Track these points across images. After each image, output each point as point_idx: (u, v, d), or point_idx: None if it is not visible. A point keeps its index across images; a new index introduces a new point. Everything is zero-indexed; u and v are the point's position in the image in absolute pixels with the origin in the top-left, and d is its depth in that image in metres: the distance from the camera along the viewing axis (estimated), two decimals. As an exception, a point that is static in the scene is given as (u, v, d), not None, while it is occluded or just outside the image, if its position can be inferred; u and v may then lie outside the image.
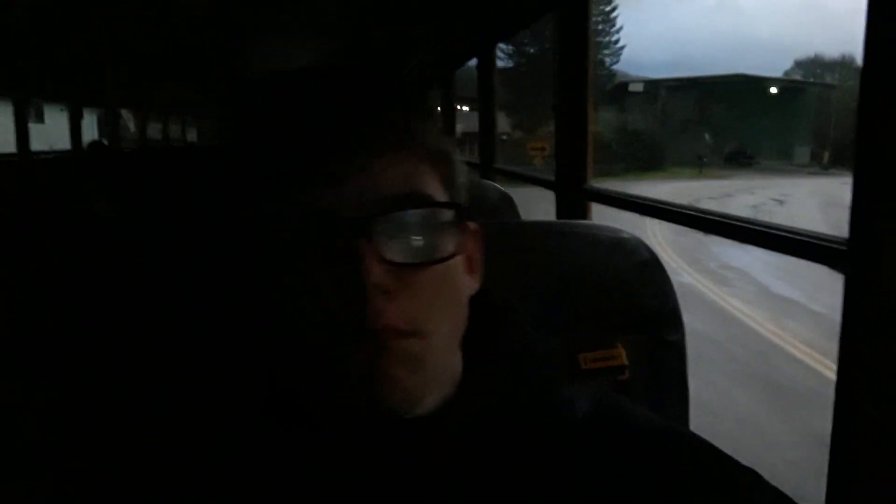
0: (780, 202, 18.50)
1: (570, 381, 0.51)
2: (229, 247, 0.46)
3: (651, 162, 29.47)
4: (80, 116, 6.66)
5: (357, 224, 0.40)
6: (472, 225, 0.49)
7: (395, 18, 3.47)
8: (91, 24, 3.36)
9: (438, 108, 4.44)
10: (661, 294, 0.74)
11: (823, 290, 6.76)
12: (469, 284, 0.49)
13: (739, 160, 30.19)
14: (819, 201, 17.78)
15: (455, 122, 4.43)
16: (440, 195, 0.46)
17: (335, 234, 0.41)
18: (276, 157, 0.43)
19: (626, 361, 0.71)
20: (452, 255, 0.44)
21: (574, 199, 1.92)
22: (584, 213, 1.90)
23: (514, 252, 0.74)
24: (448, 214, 0.45)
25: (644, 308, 0.74)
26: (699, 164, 28.45)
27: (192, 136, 9.64)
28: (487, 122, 3.32)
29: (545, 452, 0.44)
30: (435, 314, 0.44)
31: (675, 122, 31.04)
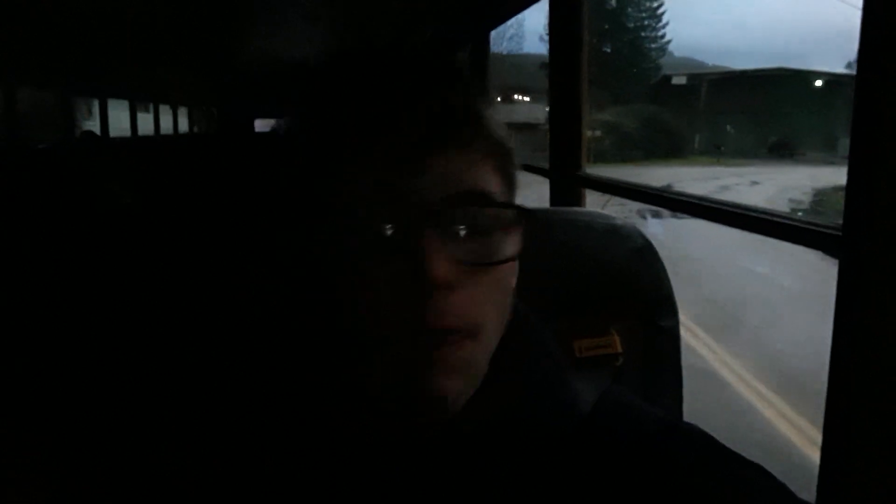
0: (756, 183, 19.98)
1: (570, 372, 0.51)
2: (293, 232, 0.44)
3: (672, 150, 30.33)
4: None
5: (429, 215, 0.39)
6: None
7: (388, 7, 3.44)
8: (87, 15, 3.32)
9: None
10: (655, 280, 0.74)
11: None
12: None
13: (781, 152, 30.85)
14: (781, 185, 19.07)
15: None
16: (503, 192, 0.45)
17: (405, 223, 0.39)
18: (359, 137, 0.41)
19: (620, 349, 0.70)
20: (514, 258, 0.44)
21: (568, 186, 1.92)
22: (579, 200, 1.90)
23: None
24: (511, 214, 0.44)
25: (638, 295, 0.73)
26: (717, 154, 29.37)
27: (183, 125, 9.50)
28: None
29: (558, 449, 0.44)
30: (490, 316, 0.43)
31: (715, 114, 31.81)
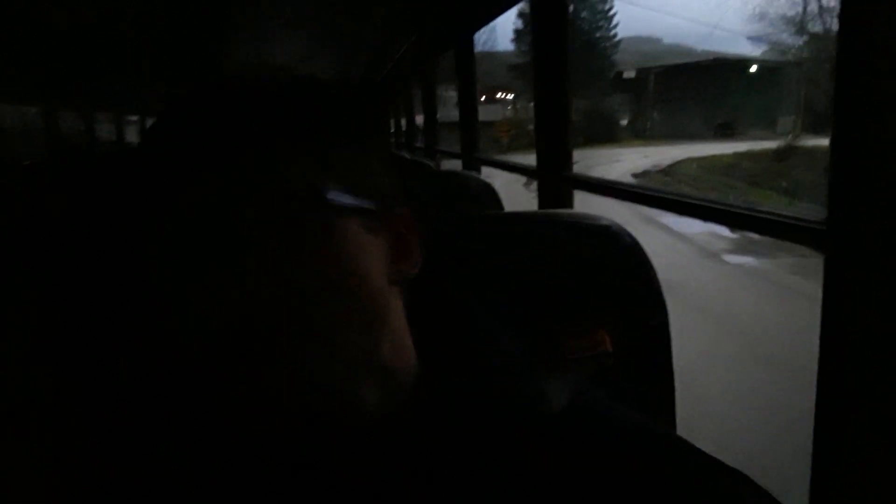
0: (646, 157, 23.19)
1: (551, 371, 0.50)
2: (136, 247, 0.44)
3: (609, 136, 35.99)
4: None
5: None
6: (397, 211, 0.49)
7: (370, 12, 3.44)
8: (69, 28, 3.30)
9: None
10: (644, 279, 0.74)
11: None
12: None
13: (724, 132, 34.32)
14: (661, 158, 21.89)
15: (436, 112, 4.40)
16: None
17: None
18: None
19: (610, 348, 0.71)
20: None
21: (556, 187, 1.92)
22: (568, 201, 1.90)
23: (497, 243, 0.74)
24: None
25: (627, 294, 0.74)
26: (644, 136, 34.77)
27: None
28: (468, 112, 3.31)
29: (516, 450, 0.43)
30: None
31: (663, 102, 36.34)
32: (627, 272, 0.74)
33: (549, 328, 0.69)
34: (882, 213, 0.71)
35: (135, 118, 8.32)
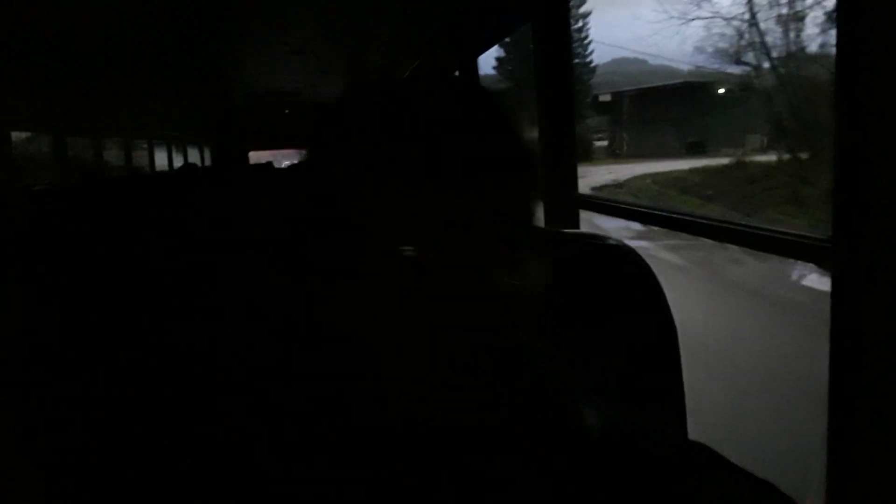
0: (611, 172, 23.44)
1: (572, 388, 0.51)
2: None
3: (584, 154, 38.20)
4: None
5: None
6: None
7: (375, 38, 3.49)
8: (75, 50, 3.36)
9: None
10: (652, 298, 0.75)
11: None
12: None
13: (696, 150, 36.25)
14: (623, 174, 22.62)
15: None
16: None
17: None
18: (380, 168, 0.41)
19: (623, 365, 0.71)
20: None
21: (563, 208, 1.94)
22: (575, 221, 1.91)
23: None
24: None
25: (636, 313, 0.74)
26: (617, 155, 35.08)
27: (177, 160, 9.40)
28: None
29: (556, 458, 0.44)
30: None
31: (637, 123, 38.14)
32: (637, 292, 0.75)
33: (559, 348, 0.69)
34: (885, 228, 0.72)
35: (144, 144, 8.38)
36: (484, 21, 2.62)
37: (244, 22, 3.04)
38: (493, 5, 2.41)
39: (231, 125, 9.49)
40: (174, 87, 5.21)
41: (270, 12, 2.88)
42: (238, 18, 3.00)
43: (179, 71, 4.41)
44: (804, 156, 11.77)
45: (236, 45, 3.66)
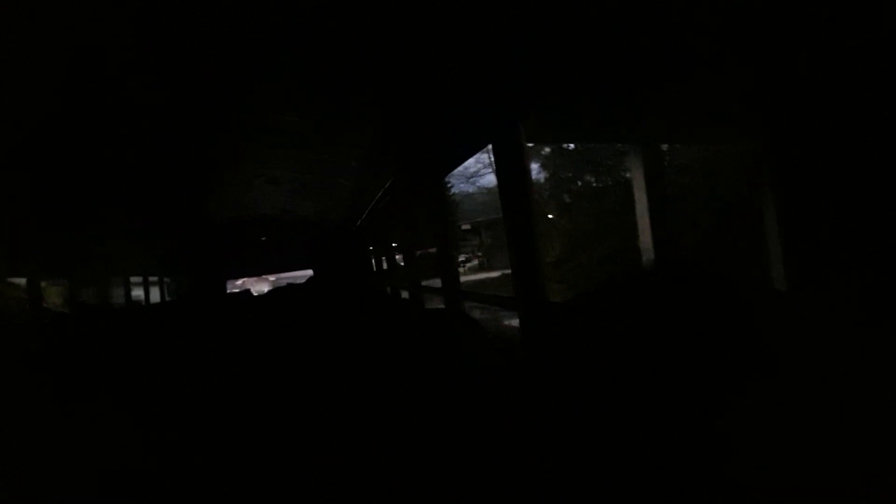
0: None
1: None
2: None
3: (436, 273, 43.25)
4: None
5: None
6: None
7: (346, 164, 3.64)
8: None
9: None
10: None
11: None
12: None
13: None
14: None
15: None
16: None
17: None
18: None
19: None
20: None
21: (534, 316, 1.99)
22: (547, 328, 1.96)
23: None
24: None
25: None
26: (479, 269, 40.31)
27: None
28: (445, 249, 3.40)
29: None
30: None
31: (488, 248, 42.25)
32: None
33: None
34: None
35: (120, 279, 8.24)
36: (449, 146, 2.78)
37: (223, 161, 3.17)
38: (458, 132, 2.59)
39: (209, 257, 9.47)
40: (151, 220, 5.30)
41: (248, 146, 3.03)
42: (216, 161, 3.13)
43: (157, 204, 4.51)
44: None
45: (212, 176, 3.78)
